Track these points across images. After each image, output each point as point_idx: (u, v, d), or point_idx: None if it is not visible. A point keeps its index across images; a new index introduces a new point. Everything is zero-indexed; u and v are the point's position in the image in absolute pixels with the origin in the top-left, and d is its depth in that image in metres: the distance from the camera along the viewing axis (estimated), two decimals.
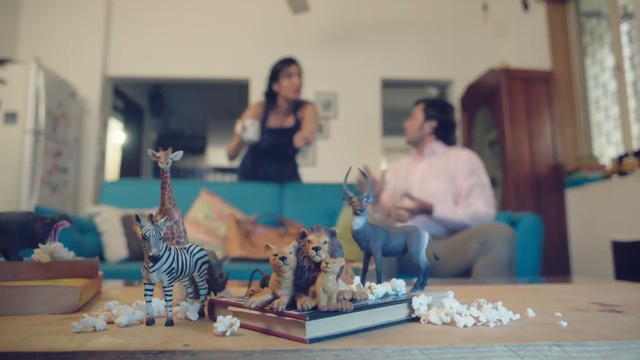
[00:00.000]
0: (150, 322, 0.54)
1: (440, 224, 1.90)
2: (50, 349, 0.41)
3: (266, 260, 2.03)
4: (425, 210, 1.85)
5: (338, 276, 0.49)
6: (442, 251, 1.79)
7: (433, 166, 2.01)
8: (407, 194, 1.91)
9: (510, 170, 3.42)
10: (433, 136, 2.08)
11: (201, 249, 0.60)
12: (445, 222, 1.87)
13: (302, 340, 0.44)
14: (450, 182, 1.95)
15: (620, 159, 2.84)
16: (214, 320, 0.54)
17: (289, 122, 2.54)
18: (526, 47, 4.08)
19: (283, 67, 2.45)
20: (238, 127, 2.33)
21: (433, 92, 5.19)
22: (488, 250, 1.61)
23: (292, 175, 2.67)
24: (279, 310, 0.47)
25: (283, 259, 0.48)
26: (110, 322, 0.54)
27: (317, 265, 0.49)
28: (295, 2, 3.76)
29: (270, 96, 2.51)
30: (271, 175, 2.60)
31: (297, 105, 2.55)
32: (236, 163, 2.75)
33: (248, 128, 2.30)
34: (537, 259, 1.90)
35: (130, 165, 6.12)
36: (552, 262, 3.21)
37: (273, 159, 2.56)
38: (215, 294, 0.71)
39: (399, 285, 0.62)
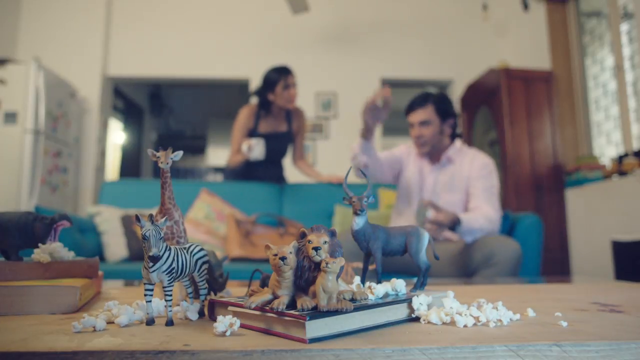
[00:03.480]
0: (150, 322, 0.54)
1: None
2: (50, 349, 0.41)
3: (266, 260, 2.03)
4: (452, 221, 1.67)
5: (338, 276, 0.49)
6: (443, 257, 1.75)
7: (448, 177, 1.89)
8: (432, 203, 1.69)
9: (510, 170, 3.42)
10: (448, 137, 1.93)
11: (201, 249, 0.60)
12: (468, 233, 1.73)
13: (302, 340, 0.44)
14: (465, 192, 1.86)
15: (620, 159, 2.84)
16: (214, 320, 0.54)
17: (281, 127, 2.56)
18: (526, 47, 4.08)
19: (281, 78, 2.42)
20: (244, 147, 2.33)
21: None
22: (492, 265, 1.56)
23: (279, 178, 2.69)
24: (279, 310, 0.47)
25: (283, 259, 0.48)
26: (110, 322, 0.54)
27: (317, 265, 0.49)
28: (295, 2, 3.76)
29: (266, 105, 2.50)
30: (260, 177, 2.60)
31: (288, 110, 2.56)
32: None
33: (254, 148, 2.32)
34: (537, 259, 1.90)
35: (130, 165, 6.11)
36: (552, 262, 3.21)
37: (264, 162, 2.55)
38: (215, 294, 0.71)
39: (399, 285, 0.62)
